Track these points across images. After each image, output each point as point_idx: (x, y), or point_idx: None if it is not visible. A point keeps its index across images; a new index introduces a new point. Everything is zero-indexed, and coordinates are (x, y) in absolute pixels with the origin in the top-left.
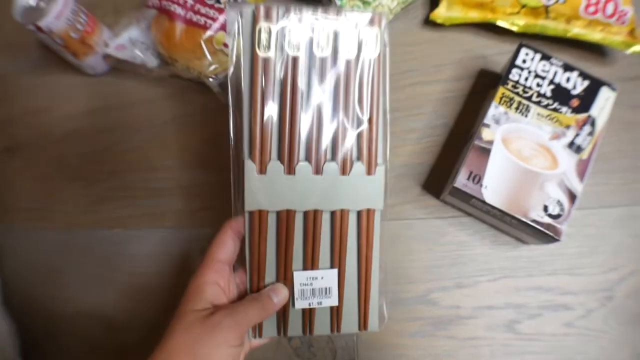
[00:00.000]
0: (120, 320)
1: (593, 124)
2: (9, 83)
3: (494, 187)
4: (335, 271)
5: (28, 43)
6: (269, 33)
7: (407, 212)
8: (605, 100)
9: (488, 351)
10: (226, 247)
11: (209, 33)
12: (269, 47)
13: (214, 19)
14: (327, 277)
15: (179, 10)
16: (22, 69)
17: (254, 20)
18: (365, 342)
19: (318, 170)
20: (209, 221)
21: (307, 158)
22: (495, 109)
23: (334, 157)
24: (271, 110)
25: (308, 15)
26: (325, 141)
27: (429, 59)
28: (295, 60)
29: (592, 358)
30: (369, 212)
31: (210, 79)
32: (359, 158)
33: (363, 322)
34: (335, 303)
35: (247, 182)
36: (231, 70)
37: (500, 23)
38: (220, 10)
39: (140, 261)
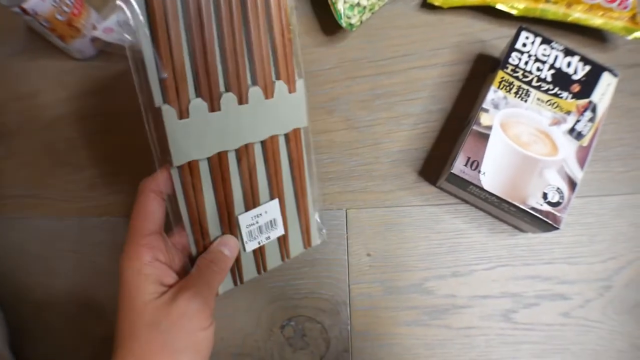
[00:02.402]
0: (110, 308)
1: (594, 110)
2: None
3: (492, 174)
4: (276, 202)
5: (14, 27)
6: None
7: (402, 199)
8: (606, 86)
9: (483, 341)
10: (152, 215)
11: None
12: None
13: None
14: (270, 209)
15: None
16: (8, 54)
17: None
18: (359, 331)
19: (243, 99)
20: None
21: (228, 89)
22: (494, 94)
23: (254, 81)
24: (179, 43)
25: None
26: (243, 64)
27: (426, 42)
28: None
29: (589, 348)
30: (296, 133)
31: None
32: (278, 77)
33: (306, 240)
34: (282, 232)
35: (169, 131)
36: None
37: (500, 6)
38: None
39: None
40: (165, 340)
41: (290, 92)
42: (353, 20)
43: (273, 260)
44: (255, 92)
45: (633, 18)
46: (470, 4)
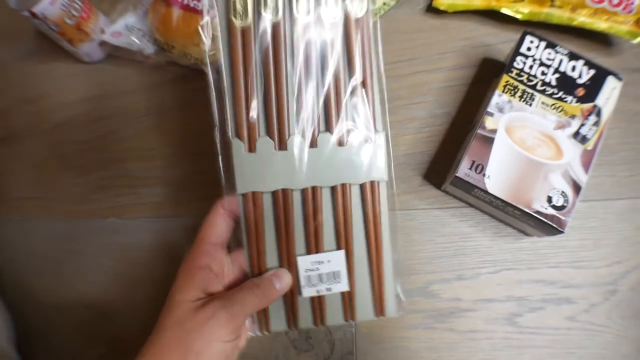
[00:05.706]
0: (117, 310)
1: (599, 114)
2: (4, 71)
3: (497, 177)
4: (342, 253)
5: (23, 30)
6: None
7: (407, 203)
8: (611, 90)
9: (488, 344)
10: (218, 228)
11: (206, 18)
12: (246, 14)
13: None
14: (334, 260)
15: None
16: (17, 57)
17: None
18: (363, 334)
19: (312, 143)
20: (208, 210)
21: (299, 131)
22: (498, 97)
23: (327, 127)
24: (255, 83)
25: None
26: (317, 110)
27: (431, 46)
28: (275, 27)
29: (594, 353)
30: (373, 185)
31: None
32: (356, 126)
33: (379, 307)
34: (345, 288)
35: (236, 162)
36: (208, 44)
37: (505, 11)
38: None
39: (138, 251)
40: (184, 340)
41: (367, 142)
42: None
43: (334, 316)
44: (325, 138)
45: (638, 22)
46: (476, 9)
